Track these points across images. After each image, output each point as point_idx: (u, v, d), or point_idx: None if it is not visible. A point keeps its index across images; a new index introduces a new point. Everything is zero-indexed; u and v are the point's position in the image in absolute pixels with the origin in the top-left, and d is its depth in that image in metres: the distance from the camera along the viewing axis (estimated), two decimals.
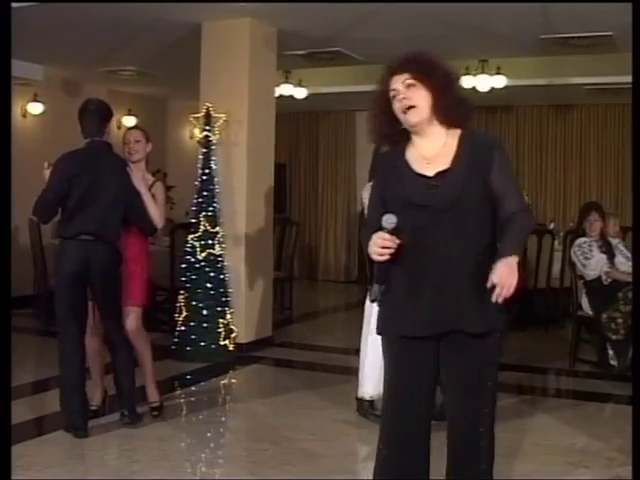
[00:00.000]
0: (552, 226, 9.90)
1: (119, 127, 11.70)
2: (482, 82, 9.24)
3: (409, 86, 2.89)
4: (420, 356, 2.95)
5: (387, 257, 2.81)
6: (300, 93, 10.58)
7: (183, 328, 6.98)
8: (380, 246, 2.81)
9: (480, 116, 12.03)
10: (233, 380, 6.74)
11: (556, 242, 8.88)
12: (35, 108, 10.01)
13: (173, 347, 7.02)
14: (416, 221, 2.87)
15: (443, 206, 2.85)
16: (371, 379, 5.05)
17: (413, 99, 2.89)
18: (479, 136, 2.97)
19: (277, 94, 10.47)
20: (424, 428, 3.03)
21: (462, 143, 2.91)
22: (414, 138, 3.00)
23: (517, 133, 12.10)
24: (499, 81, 9.22)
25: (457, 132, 2.93)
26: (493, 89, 9.31)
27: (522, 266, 2.96)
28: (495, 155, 2.90)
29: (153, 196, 5.07)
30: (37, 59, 9.28)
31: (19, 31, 7.63)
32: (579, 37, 7.50)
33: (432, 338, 2.90)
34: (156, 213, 5.04)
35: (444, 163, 2.90)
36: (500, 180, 2.89)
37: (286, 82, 10.31)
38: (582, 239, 6.71)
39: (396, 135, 3.03)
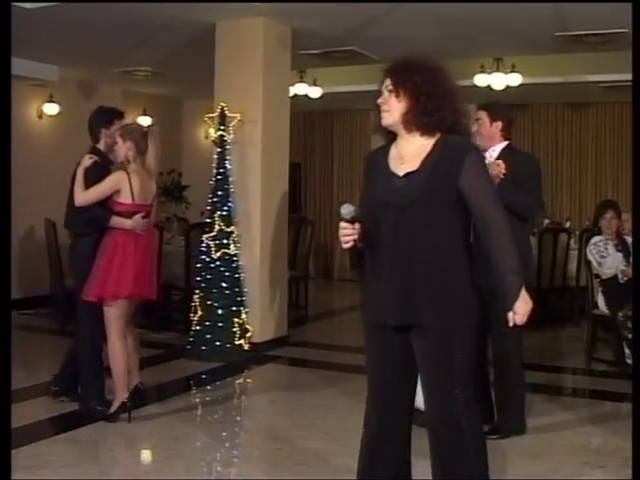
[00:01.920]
0: (568, 224, 9.85)
1: None
2: (497, 80, 9.20)
3: (390, 91, 3.03)
4: (391, 344, 3.09)
5: (352, 243, 2.95)
6: (315, 92, 10.58)
7: (198, 327, 6.99)
8: (342, 235, 2.96)
9: None
10: (248, 380, 6.75)
11: (572, 241, 8.85)
12: (51, 109, 10.04)
13: (188, 347, 7.05)
14: (382, 218, 3.02)
15: (403, 204, 2.97)
16: None
17: (388, 104, 3.04)
18: (454, 141, 3.03)
19: (292, 93, 10.50)
20: (402, 415, 3.17)
21: (435, 147, 3.01)
22: (397, 137, 3.12)
23: (532, 131, 12.04)
24: (514, 79, 9.18)
25: (436, 135, 3.03)
26: (508, 87, 9.27)
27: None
28: (466, 159, 2.97)
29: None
30: (52, 60, 9.30)
31: (34, 32, 7.73)
32: (594, 35, 7.45)
33: (402, 329, 3.02)
34: (77, 191, 5.07)
35: (415, 164, 3.01)
36: (470, 184, 2.97)
37: (301, 81, 10.32)
38: (598, 237, 6.67)
39: (388, 131, 3.15)
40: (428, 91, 2.95)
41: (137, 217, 5.03)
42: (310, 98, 10.60)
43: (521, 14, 6.95)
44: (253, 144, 7.27)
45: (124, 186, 5.01)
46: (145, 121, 11.67)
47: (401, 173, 3.02)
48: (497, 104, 5.15)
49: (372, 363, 3.18)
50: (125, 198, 5.03)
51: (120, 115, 5.46)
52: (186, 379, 6.44)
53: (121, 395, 5.07)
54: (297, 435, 4.98)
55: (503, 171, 4.64)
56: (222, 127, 7.08)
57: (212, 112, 7.20)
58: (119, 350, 5.03)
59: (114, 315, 5.01)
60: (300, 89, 10.36)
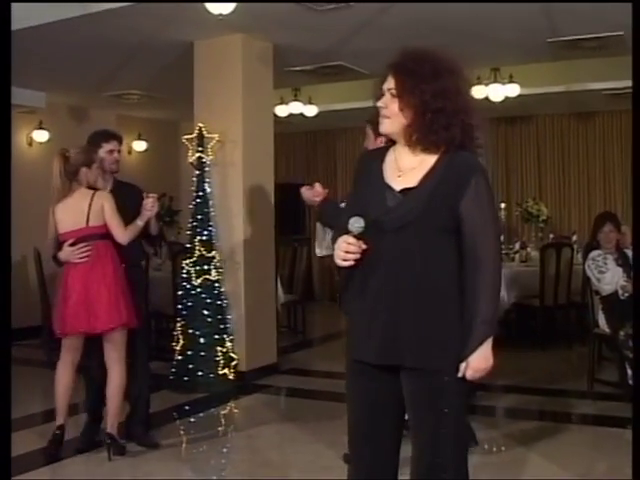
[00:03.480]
0: (575, 238, 9.49)
1: (130, 152, 11.58)
2: (495, 91, 8.89)
3: (392, 95, 2.62)
4: (376, 384, 2.69)
5: (351, 263, 2.59)
6: (310, 111, 10.33)
7: (180, 357, 6.71)
8: (344, 250, 2.58)
9: (499, 128, 11.70)
10: (235, 410, 6.46)
11: (579, 255, 8.49)
12: (40, 136, 9.90)
13: (171, 377, 6.76)
14: (371, 236, 2.59)
15: (396, 226, 2.58)
16: None
17: (389, 110, 2.63)
18: (461, 159, 2.62)
19: (287, 112, 10.28)
20: (388, 463, 2.75)
21: (439, 163, 2.62)
22: (397, 144, 2.73)
23: (538, 144, 11.68)
24: (512, 90, 8.86)
25: (440, 149, 2.63)
26: (507, 98, 8.96)
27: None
28: (471, 182, 2.57)
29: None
30: (39, 86, 9.17)
31: (18, 58, 7.53)
32: (587, 39, 7.13)
33: (389, 367, 2.63)
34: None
35: (414, 180, 2.62)
36: (472, 212, 2.58)
37: (295, 100, 10.07)
38: (596, 252, 6.30)
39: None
40: (437, 108, 2.55)
41: (65, 246, 4.78)
42: (306, 117, 10.35)
43: (508, 21, 6.66)
44: (234, 165, 7.00)
45: (50, 219, 4.83)
46: (141, 146, 11.52)
47: (398, 187, 2.63)
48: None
49: (354, 405, 2.77)
50: (56, 228, 4.85)
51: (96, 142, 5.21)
52: (169, 411, 6.17)
53: (57, 420, 4.94)
54: (285, 469, 4.82)
55: None
56: (200, 148, 6.82)
57: (191, 133, 6.93)
58: (58, 378, 4.93)
59: (64, 345, 4.91)
60: (295, 108, 10.11)
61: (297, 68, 8.41)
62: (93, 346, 4.94)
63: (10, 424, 3.06)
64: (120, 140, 5.32)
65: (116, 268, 4.85)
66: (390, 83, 2.62)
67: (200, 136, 6.83)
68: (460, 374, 2.57)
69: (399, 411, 2.70)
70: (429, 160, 2.63)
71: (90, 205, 4.75)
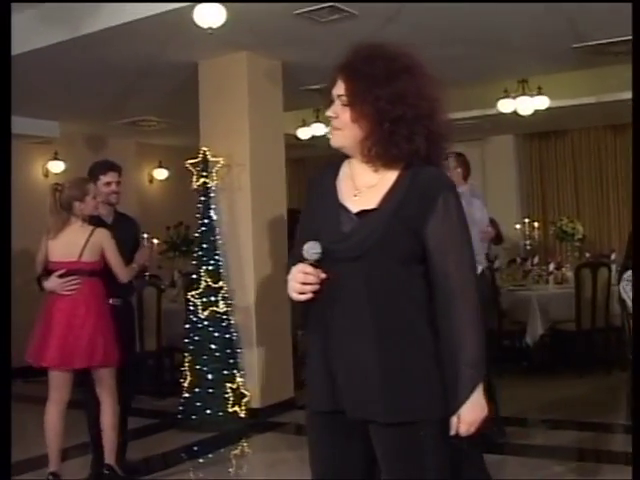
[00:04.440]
0: (613, 257, 8.95)
1: (151, 181, 11.34)
2: (523, 105, 8.43)
3: (343, 104, 2.22)
4: (341, 440, 2.28)
5: (309, 296, 2.18)
6: None
7: (188, 395, 6.33)
8: (301, 282, 2.16)
9: (532, 143, 11.28)
10: (247, 450, 6.08)
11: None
12: (56, 166, 9.72)
13: (179, 416, 6.39)
14: (325, 266, 2.19)
15: (353, 255, 2.17)
16: None
17: (340, 120, 2.23)
18: (426, 175, 2.22)
19: (309, 135, 9.93)
20: None
21: (401, 180, 2.21)
22: (352, 159, 2.31)
23: (574, 159, 11.20)
24: (541, 102, 8.40)
25: (402, 163, 2.23)
26: (537, 112, 8.50)
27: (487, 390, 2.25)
28: (439, 201, 2.17)
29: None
30: (51, 115, 8.96)
31: (26, 86, 7.35)
32: (614, 42, 6.66)
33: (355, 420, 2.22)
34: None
35: (372, 200, 2.21)
36: (440, 236, 2.18)
37: (317, 121, 9.70)
38: (631, 272, 5.80)
39: None
40: (396, 115, 2.15)
41: (53, 277, 4.61)
42: (329, 139, 9.97)
43: (532, 27, 6.23)
44: (242, 190, 6.64)
45: (42, 244, 4.73)
46: (162, 174, 11.25)
47: (354, 209, 2.22)
48: None
49: (317, 464, 2.37)
50: (47, 255, 4.72)
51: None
52: (177, 451, 5.84)
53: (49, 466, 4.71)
54: None
55: None
56: (205, 173, 6.46)
57: (195, 158, 6.60)
58: (47, 420, 4.74)
59: (50, 384, 4.71)
60: (317, 129, 9.75)
61: (313, 87, 8.02)
62: (87, 380, 4.78)
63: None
64: (119, 171, 5.21)
65: (101, 305, 4.71)
66: (340, 88, 2.23)
67: (204, 160, 6.48)
68: (453, 431, 2.16)
69: (368, 470, 2.30)
70: (390, 176, 2.23)
71: (87, 240, 4.65)
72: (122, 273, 4.75)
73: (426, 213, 2.16)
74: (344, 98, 2.21)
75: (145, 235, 9.14)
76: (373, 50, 2.21)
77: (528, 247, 9.07)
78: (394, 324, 2.16)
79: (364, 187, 2.24)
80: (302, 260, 2.19)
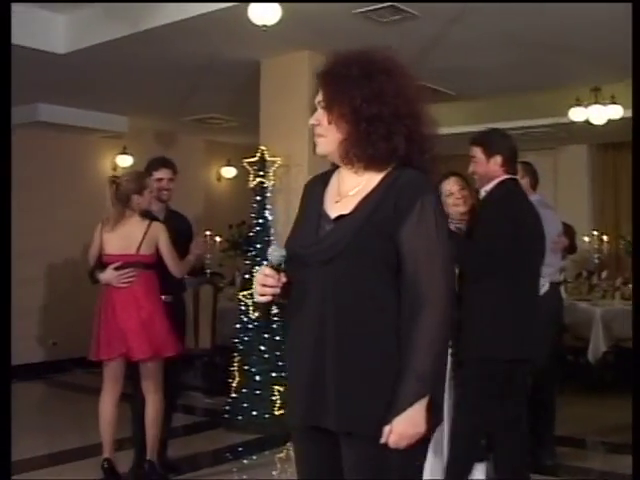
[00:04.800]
0: None
1: (219, 179, 11.38)
2: (596, 114, 8.15)
3: (323, 109, 2.22)
4: (314, 450, 2.27)
5: (269, 298, 2.21)
6: None
7: (235, 395, 6.30)
8: (261, 283, 2.19)
9: (606, 154, 10.90)
10: (291, 454, 5.96)
11: None
12: (124, 161, 9.82)
13: (226, 415, 6.36)
14: (299, 274, 2.19)
15: (322, 259, 2.15)
16: None
17: (322, 127, 2.23)
18: (406, 178, 2.17)
19: None
20: None
21: (382, 183, 2.17)
22: (341, 167, 2.30)
23: None
24: (615, 111, 8.11)
25: (386, 168, 2.20)
26: (610, 121, 8.21)
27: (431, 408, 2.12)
28: (416, 205, 2.11)
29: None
30: (121, 110, 9.05)
31: (96, 82, 7.45)
32: None
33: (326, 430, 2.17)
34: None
35: (351, 205, 2.19)
36: (414, 242, 2.11)
37: None
38: None
39: None
40: (372, 114, 2.13)
41: (109, 269, 4.64)
42: None
43: (604, 32, 5.99)
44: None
45: (96, 236, 4.74)
46: (230, 172, 11.25)
47: (333, 215, 2.21)
48: (491, 134, 4.19)
49: (299, 473, 2.34)
50: (101, 249, 4.75)
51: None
52: (222, 450, 5.86)
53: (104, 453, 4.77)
54: None
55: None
56: (261, 173, 6.41)
57: (253, 156, 6.55)
58: (100, 411, 4.79)
59: (105, 375, 4.78)
60: None
61: None
62: (136, 375, 4.81)
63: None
64: (173, 168, 5.22)
65: (155, 299, 4.75)
66: (319, 95, 2.23)
67: (262, 160, 6.42)
68: (383, 440, 2.06)
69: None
70: (373, 181, 2.20)
71: (146, 233, 4.67)
72: (177, 267, 4.76)
73: (401, 216, 2.11)
74: (323, 103, 2.21)
75: (207, 232, 9.24)
76: (350, 54, 2.23)
77: (596, 260, 8.77)
78: (358, 335, 2.12)
79: (347, 193, 2.22)
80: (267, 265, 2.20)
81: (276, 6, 4.80)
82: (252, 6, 4.82)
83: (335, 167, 2.34)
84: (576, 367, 8.04)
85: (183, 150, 10.68)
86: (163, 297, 4.82)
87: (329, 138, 2.21)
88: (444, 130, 8.33)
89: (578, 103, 8.17)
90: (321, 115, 2.22)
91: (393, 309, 2.12)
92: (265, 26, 4.87)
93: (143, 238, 4.66)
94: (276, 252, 2.21)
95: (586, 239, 9.14)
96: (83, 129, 9.12)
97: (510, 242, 3.79)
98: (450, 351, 3.74)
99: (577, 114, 8.23)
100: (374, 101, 2.14)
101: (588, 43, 6.32)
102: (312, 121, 2.25)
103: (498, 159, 4.01)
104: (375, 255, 2.12)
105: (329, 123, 2.19)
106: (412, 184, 2.15)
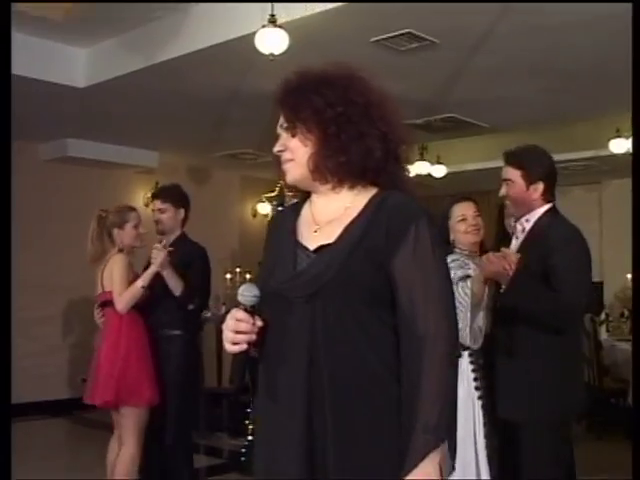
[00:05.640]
0: None
1: (254, 215, 11.24)
2: None
3: (287, 129, 1.98)
4: None
5: (243, 347, 1.88)
6: (438, 171, 9.63)
7: (252, 437, 6.06)
8: (233, 330, 1.87)
9: None
10: None
11: None
12: None
13: (242, 458, 6.15)
14: (277, 314, 1.91)
15: (304, 294, 1.87)
16: None
17: (289, 150, 1.97)
18: (397, 201, 1.92)
19: (413, 173, 9.59)
20: None
21: (367, 207, 1.92)
22: (312, 195, 2.04)
23: None
24: None
25: (370, 190, 1.96)
26: None
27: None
28: (410, 231, 1.86)
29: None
30: (151, 145, 9.00)
31: (120, 116, 7.40)
32: None
33: None
34: None
35: (333, 234, 1.92)
36: (410, 273, 1.86)
37: (421, 159, 9.33)
38: None
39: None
40: (338, 114, 1.91)
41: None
42: (434, 177, 9.61)
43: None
44: None
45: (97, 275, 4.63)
46: (265, 208, 11.11)
47: (312, 246, 1.95)
48: (532, 155, 3.49)
49: None
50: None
51: None
52: None
53: None
54: None
55: (512, 265, 3.16)
56: (281, 208, 6.25)
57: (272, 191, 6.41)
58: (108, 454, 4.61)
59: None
60: (422, 168, 9.38)
61: (410, 121, 7.73)
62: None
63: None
64: (166, 199, 4.82)
65: (132, 341, 4.40)
66: (281, 120, 2.00)
67: (280, 194, 6.27)
68: None
69: None
70: (355, 207, 1.94)
71: (103, 270, 4.46)
72: (117, 300, 4.40)
73: (394, 244, 1.86)
74: (285, 124, 1.98)
75: (237, 269, 9.07)
76: (302, 73, 2.01)
77: None
78: (350, 379, 1.84)
79: (325, 221, 1.97)
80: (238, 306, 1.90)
81: (283, 33, 4.61)
82: (258, 35, 4.64)
83: (305, 197, 2.09)
84: (618, 410, 7.64)
85: (217, 186, 10.62)
86: (172, 332, 4.56)
87: (297, 159, 1.96)
88: (480, 165, 8.11)
89: (618, 134, 7.87)
90: (285, 139, 1.99)
91: (392, 349, 1.87)
92: (272, 54, 4.69)
93: (101, 274, 4.45)
94: (248, 292, 1.89)
95: (628, 276, 8.75)
96: (113, 164, 9.09)
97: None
98: (482, 413, 3.28)
99: (618, 146, 7.94)
100: (338, 102, 1.93)
101: (624, 70, 6.04)
102: (277, 148, 2.01)
103: (540, 187, 3.42)
104: (365, 288, 1.85)
105: (293, 136, 1.96)
106: (403, 207, 1.91)
